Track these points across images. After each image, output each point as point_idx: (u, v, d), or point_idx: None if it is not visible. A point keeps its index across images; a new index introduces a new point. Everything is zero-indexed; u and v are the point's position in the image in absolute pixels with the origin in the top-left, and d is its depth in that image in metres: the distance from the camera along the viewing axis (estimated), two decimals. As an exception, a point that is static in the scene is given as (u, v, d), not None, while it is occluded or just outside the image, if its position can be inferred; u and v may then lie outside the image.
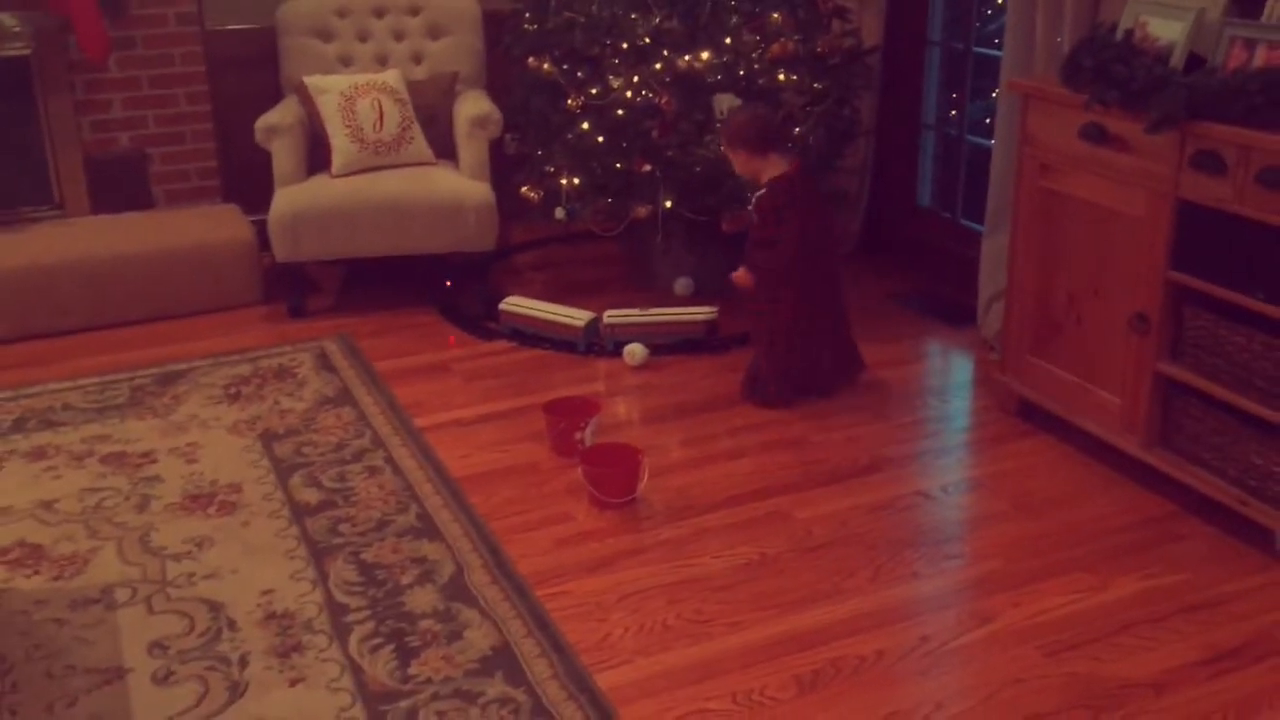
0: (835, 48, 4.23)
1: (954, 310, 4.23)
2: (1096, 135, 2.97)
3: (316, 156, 4.41)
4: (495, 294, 4.29)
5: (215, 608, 2.60)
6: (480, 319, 4.26)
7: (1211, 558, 2.75)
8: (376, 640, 2.48)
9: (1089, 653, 2.42)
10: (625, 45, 4.02)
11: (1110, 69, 2.87)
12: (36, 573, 2.74)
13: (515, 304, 4.14)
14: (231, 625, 2.53)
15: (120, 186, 4.71)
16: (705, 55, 3.97)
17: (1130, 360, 3.01)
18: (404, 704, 2.28)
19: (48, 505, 3.04)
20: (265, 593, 2.65)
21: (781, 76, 4.12)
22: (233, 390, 3.72)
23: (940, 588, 2.66)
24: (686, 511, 3.00)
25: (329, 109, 4.33)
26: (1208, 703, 2.28)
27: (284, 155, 4.31)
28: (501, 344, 4.09)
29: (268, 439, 3.39)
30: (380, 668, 2.39)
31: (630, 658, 2.44)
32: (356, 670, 2.38)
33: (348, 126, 4.32)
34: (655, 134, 4.08)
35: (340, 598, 2.63)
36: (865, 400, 3.60)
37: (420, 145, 4.44)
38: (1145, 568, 2.72)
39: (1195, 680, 2.35)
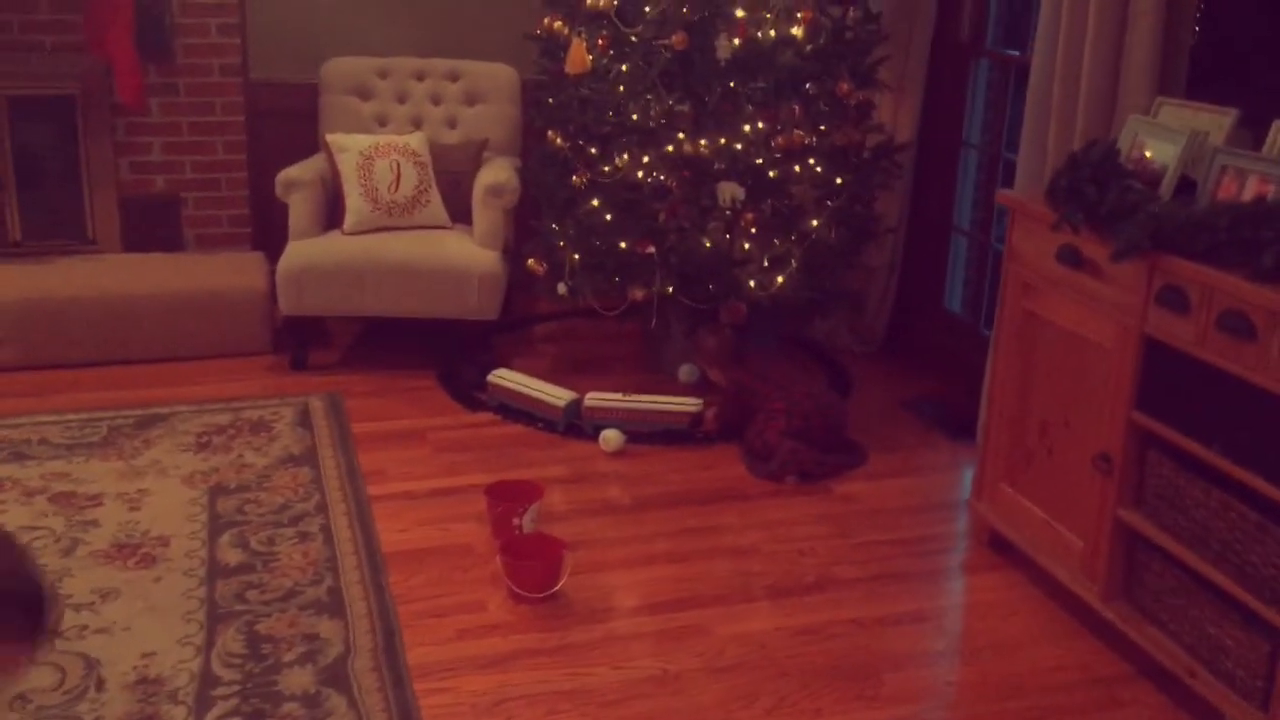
0: (856, 142, 4.10)
1: (962, 424, 4.01)
2: (1072, 258, 2.78)
3: (337, 213, 4.45)
4: (495, 364, 4.24)
5: (91, 665, 2.56)
6: (473, 388, 4.21)
7: (1153, 731, 2.50)
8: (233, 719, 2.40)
9: (976, 826, 2.21)
10: (635, 124, 3.95)
11: (1082, 189, 2.69)
12: (-62, 609, 2.74)
13: (504, 377, 4.08)
14: (100, 685, 2.49)
15: (153, 228, 4.82)
16: (704, 142, 3.88)
17: (1093, 503, 2.79)
18: (231, 793, 2.20)
19: (-20, 540, 3.05)
20: (146, 655, 2.60)
21: (798, 168, 4.00)
22: (204, 439, 3.72)
23: (839, 731, 2.47)
24: (604, 614, 2.87)
25: (347, 167, 4.36)
26: None
27: (300, 209, 4.36)
28: (486, 416, 4.03)
29: (216, 493, 3.37)
30: (224, 750, 2.31)
31: (483, 770, 2.31)
32: (200, 750, 2.31)
33: (363, 185, 4.35)
34: (662, 216, 4.00)
35: (217, 669, 2.57)
36: (834, 510, 3.43)
37: (436, 209, 4.44)
38: (1075, 734, 2.49)
39: None
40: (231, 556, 3.04)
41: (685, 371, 4.31)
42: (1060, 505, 2.92)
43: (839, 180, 4.08)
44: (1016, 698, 2.60)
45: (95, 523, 3.18)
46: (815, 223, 4.05)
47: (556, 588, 2.92)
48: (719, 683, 2.61)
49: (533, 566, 2.90)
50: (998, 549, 3.20)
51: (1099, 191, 2.64)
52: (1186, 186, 2.69)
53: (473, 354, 4.36)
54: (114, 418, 3.86)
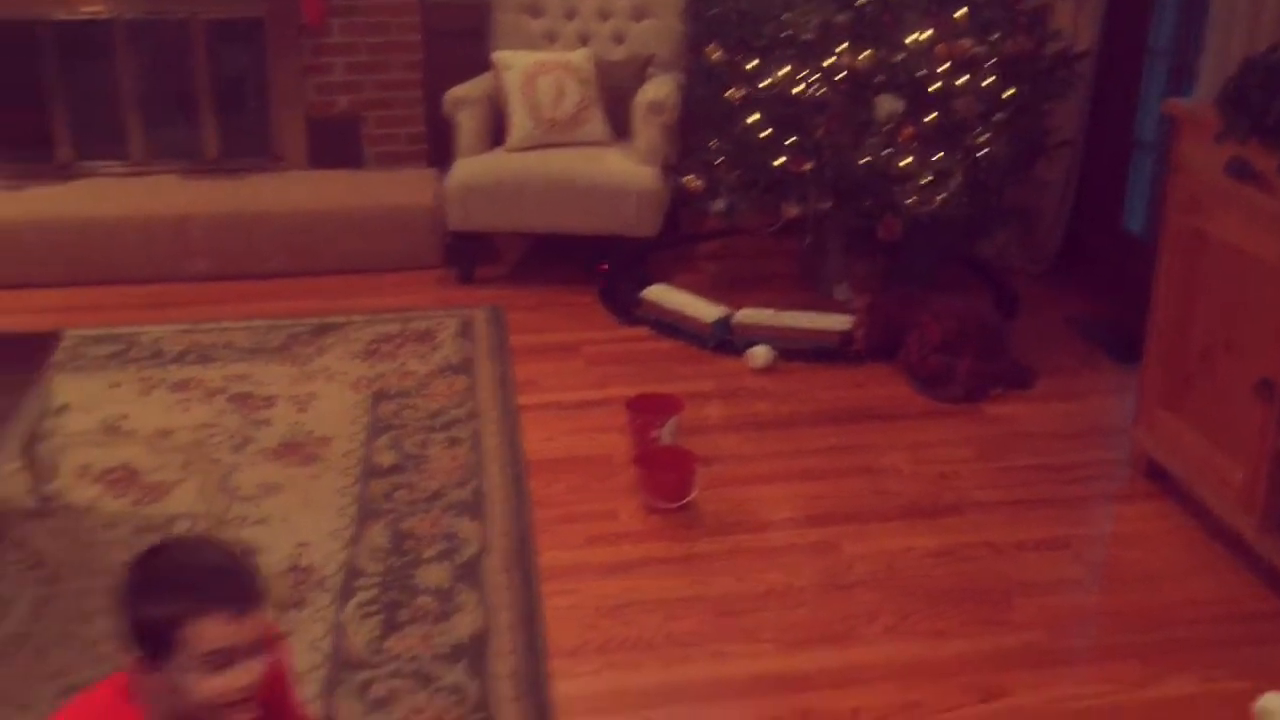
0: (1028, 51, 3.90)
1: (1132, 348, 3.80)
2: (1240, 171, 2.59)
3: (504, 130, 4.54)
4: (653, 280, 4.27)
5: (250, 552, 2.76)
6: (630, 304, 4.26)
7: (1298, 671, 2.36)
8: (372, 608, 2.55)
9: (1090, 755, 2.15)
10: (792, 37, 3.86)
11: (1250, 97, 2.49)
12: (123, 495, 3.01)
13: (657, 293, 4.12)
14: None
15: (336, 146, 5.03)
16: (864, 54, 3.76)
17: (1253, 431, 2.62)
18: (363, 675, 2.35)
19: (164, 434, 3.32)
20: (300, 545, 2.79)
21: (963, 80, 3.84)
22: (372, 347, 3.91)
23: (959, 652, 2.43)
24: (734, 527, 2.89)
25: (512, 85, 4.44)
26: (1203, 839, 1.98)
27: (467, 126, 4.47)
28: (640, 332, 4.08)
29: (378, 398, 3.55)
30: (361, 636, 2.46)
31: (598, 669, 2.39)
32: (339, 634, 2.47)
33: (527, 102, 4.42)
34: (820, 131, 3.92)
35: (362, 561, 2.73)
36: (983, 433, 3.34)
37: (597, 125, 4.48)
38: (1211, 669, 2.38)
39: (1201, 810, 2.04)
40: (385, 458, 3.20)
41: (841, 290, 4.25)
42: (1219, 433, 2.76)
43: (1009, 92, 3.90)
44: (1156, 629, 2.50)
45: (267, 422, 3.40)
46: (982, 137, 3.89)
47: (688, 499, 2.96)
48: (841, 598, 2.61)
49: (665, 478, 2.95)
50: (1154, 478, 3.05)
51: (1266, 99, 2.44)
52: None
53: (632, 270, 4.41)
54: (293, 325, 4.10)
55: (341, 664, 2.38)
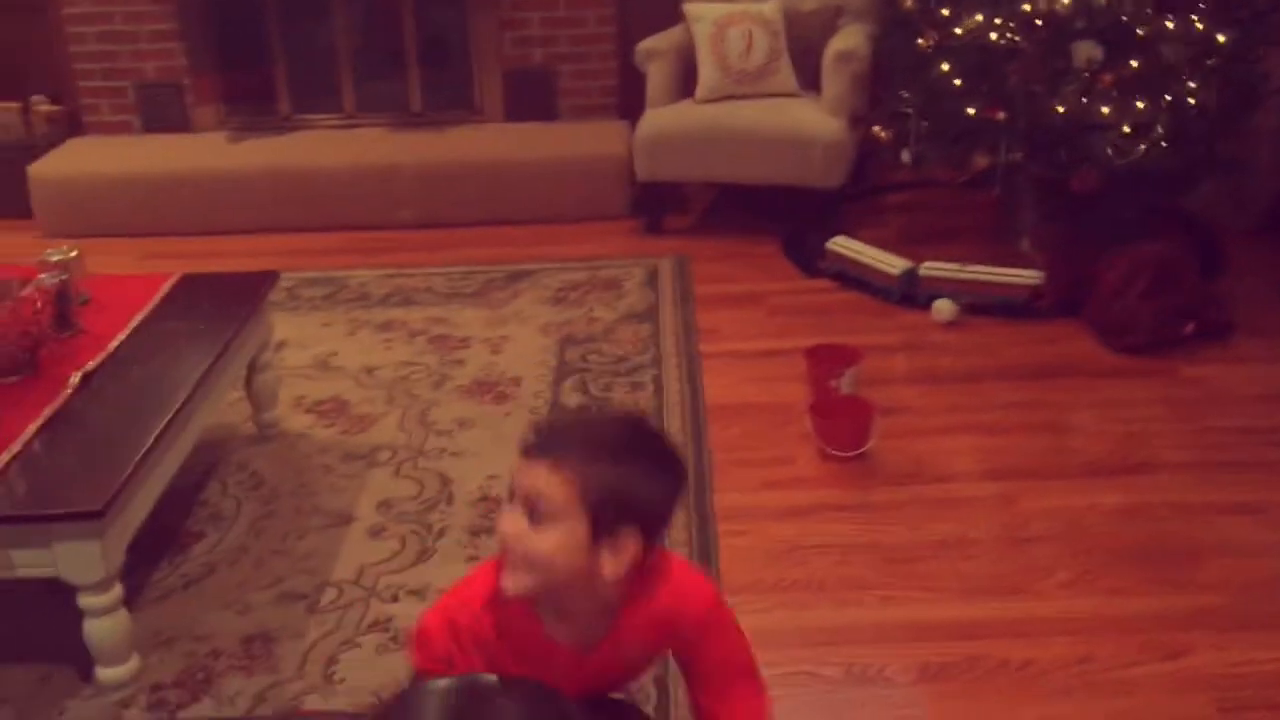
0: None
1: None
2: None
3: (694, 82, 4.59)
4: (840, 232, 4.26)
5: (446, 481, 2.94)
6: (815, 256, 4.27)
7: None
8: (555, 538, 2.69)
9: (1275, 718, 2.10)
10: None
11: None
12: (333, 425, 3.24)
13: (842, 245, 4.12)
14: (449, 499, 2.87)
15: (532, 99, 5.19)
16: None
17: None
18: (546, 599, 2.48)
19: (370, 371, 3.55)
20: (490, 477, 2.95)
21: (1170, 23, 3.68)
22: (561, 294, 4.06)
23: (1138, 610, 2.40)
24: (911, 478, 2.91)
25: (701, 36, 4.49)
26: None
27: (657, 78, 4.55)
28: (824, 283, 4.10)
29: (566, 342, 3.69)
30: (544, 563, 2.60)
31: (769, 607, 2.47)
32: (524, 561, 2.61)
33: (715, 54, 4.46)
34: (1014, 79, 3.83)
35: (547, 495, 2.87)
36: (1178, 394, 3.24)
37: (785, 76, 4.49)
38: None
39: (1391, 783, 1.97)
40: (571, 399, 3.34)
41: (1027, 244, 4.15)
42: None
43: (1220, 37, 3.71)
44: (1351, 599, 2.40)
45: (462, 362, 3.59)
46: (1191, 84, 3.72)
47: (865, 448, 2.99)
48: (1017, 552, 2.60)
49: (841, 425, 2.98)
50: (1364, 445, 2.91)
51: None
52: None
53: (819, 222, 4.41)
54: (488, 272, 4.28)
55: (526, 589, 2.52)
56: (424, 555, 2.65)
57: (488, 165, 4.76)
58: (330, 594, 2.53)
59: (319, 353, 3.66)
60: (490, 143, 4.91)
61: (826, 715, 2.19)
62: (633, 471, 1.41)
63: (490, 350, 3.66)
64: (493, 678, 1.34)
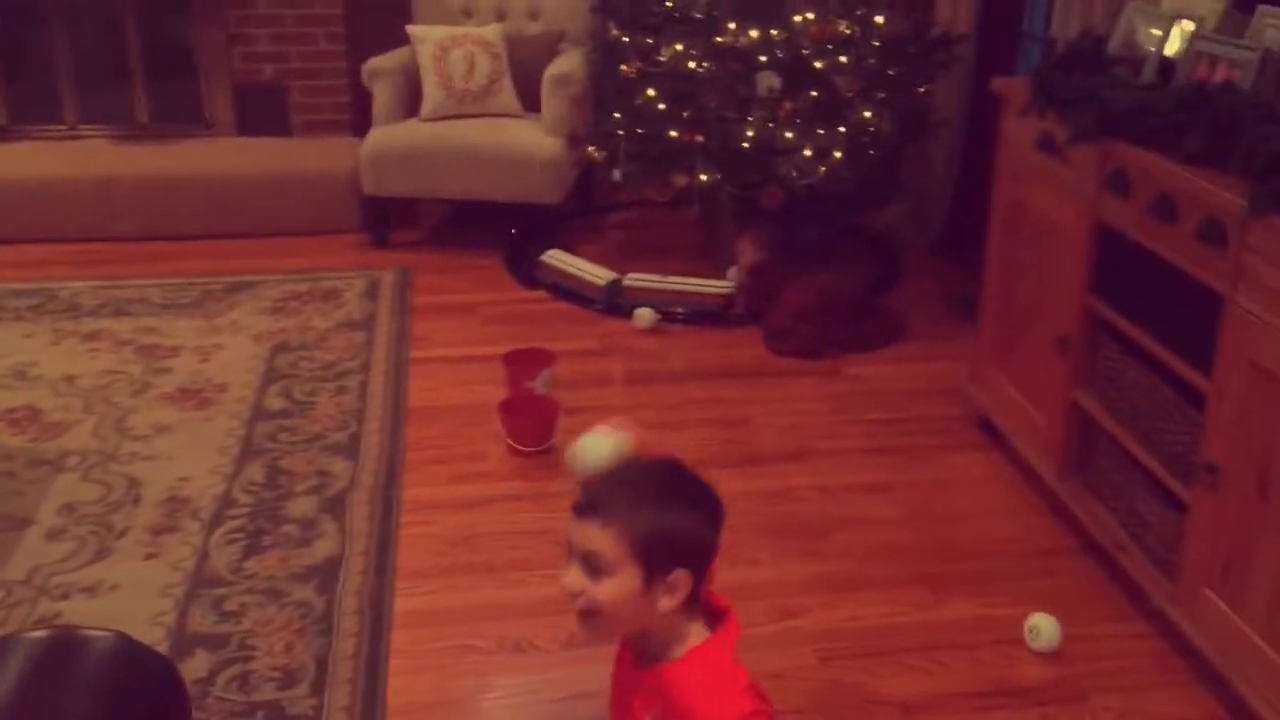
0: (905, 33, 4.12)
1: (995, 315, 4.05)
2: (1047, 145, 2.82)
3: (420, 100, 4.74)
4: (562, 247, 4.47)
5: (134, 484, 2.98)
6: (534, 269, 4.47)
7: (1074, 599, 2.60)
8: (238, 535, 2.77)
9: (865, 665, 2.39)
10: (681, 14, 4.08)
11: (1049, 76, 2.72)
12: (23, 432, 3.22)
13: (555, 258, 4.34)
14: (136, 500, 2.91)
15: (264, 114, 5.23)
16: (754, 33, 3.98)
17: (1053, 384, 2.87)
18: (220, 591, 2.57)
19: (70, 380, 3.53)
20: (181, 479, 3.01)
21: (844, 58, 4.06)
22: (280, 304, 4.12)
23: (769, 578, 2.67)
24: (588, 469, 3.12)
25: (425, 57, 4.64)
26: (947, 734, 2.22)
27: (384, 96, 4.68)
28: (539, 294, 4.30)
29: (277, 350, 3.76)
30: (223, 558, 2.68)
31: (438, 589, 2.62)
32: (203, 557, 2.69)
33: (439, 74, 4.62)
34: (710, 105, 4.14)
35: (236, 494, 2.95)
36: (839, 390, 3.58)
37: (508, 98, 4.69)
38: (994, 596, 2.62)
39: (953, 710, 2.28)
40: (275, 404, 3.42)
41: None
42: (1030, 387, 3.00)
43: (890, 71, 4.12)
44: (953, 562, 2.74)
45: (169, 369, 3.61)
46: (863, 114, 4.11)
47: (550, 444, 3.19)
48: (674, 532, 2.83)
49: (527, 423, 3.17)
50: (984, 431, 3.29)
51: (1061, 78, 2.67)
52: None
53: (540, 236, 4.61)
54: (208, 283, 4.30)
55: (201, 581, 2.60)
56: (102, 554, 2.69)
57: (214, 178, 4.78)
58: (-1, 595, 2.54)
59: (16, 363, 3.61)
60: (217, 156, 4.92)
61: (478, 679, 2.35)
62: (675, 515, 1.52)
63: (199, 359, 3.70)
64: (84, 629, 1.45)
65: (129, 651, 1.41)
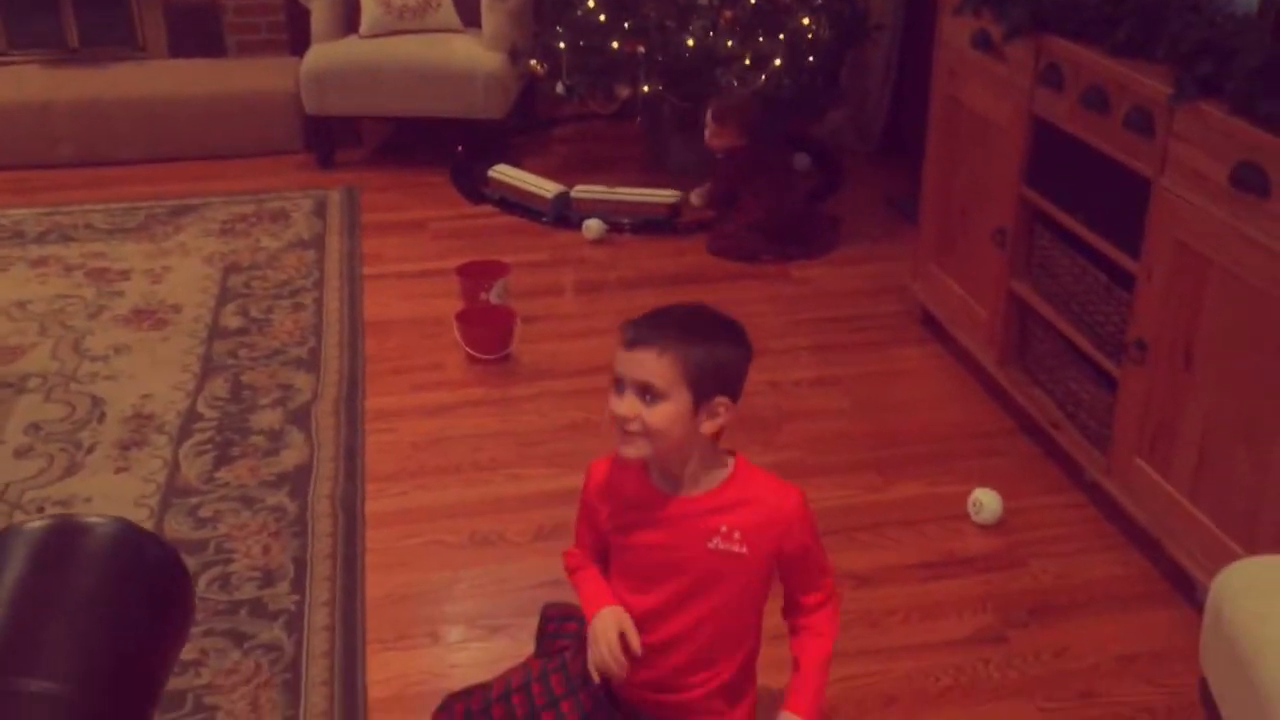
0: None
1: (936, 216, 4.16)
2: (983, 42, 2.91)
3: (357, 17, 4.70)
4: (507, 162, 4.49)
5: (97, 402, 3.01)
6: (481, 185, 4.50)
7: (1014, 476, 2.75)
8: (206, 447, 2.83)
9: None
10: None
11: (985, -27, 2.80)
12: (-20, 358, 3.23)
13: (502, 172, 4.37)
14: (101, 418, 2.94)
15: (197, 35, 5.15)
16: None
17: (992, 275, 2.98)
18: (193, 500, 2.63)
19: (22, 305, 3.53)
20: (144, 396, 3.05)
21: (781, -35, 4.10)
22: (227, 226, 4.13)
23: (726, 469, 2.77)
24: (545, 374, 3.21)
25: (362, -27, 4.60)
26: (898, 600, 2.36)
27: (321, 14, 4.64)
28: (487, 209, 4.33)
29: (229, 270, 3.78)
30: (193, 469, 2.74)
31: (407, 490, 2.70)
32: (174, 468, 2.75)
33: (376, -10, 4.58)
34: (650, 15, 4.16)
35: (201, 408, 3.00)
36: (786, 292, 3.68)
37: (447, 13, 4.67)
38: (939, 475, 2.76)
39: (902, 579, 2.42)
40: (232, 322, 3.45)
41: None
42: (970, 280, 3.12)
43: (825, -23, 4.17)
44: (899, 446, 2.87)
45: (121, 293, 3.62)
46: (802, 20, 4.17)
47: (507, 351, 3.26)
48: (632, 430, 2.93)
49: (484, 332, 3.24)
50: (926, 325, 3.42)
51: (994, -26, 2.75)
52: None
53: (485, 152, 4.63)
54: (152, 207, 4.29)
55: (174, 491, 2.66)
56: (72, 470, 2.74)
57: (150, 101, 4.73)
58: (-27, 512, 2.59)
59: (-35, 290, 3.60)
60: (153, 78, 4.86)
61: (452, 571, 2.45)
62: (720, 347, 1.64)
63: (151, 281, 3.71)
64: (85, 517, 1.51)
65: (131, 535, 1.48)
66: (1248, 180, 2.04)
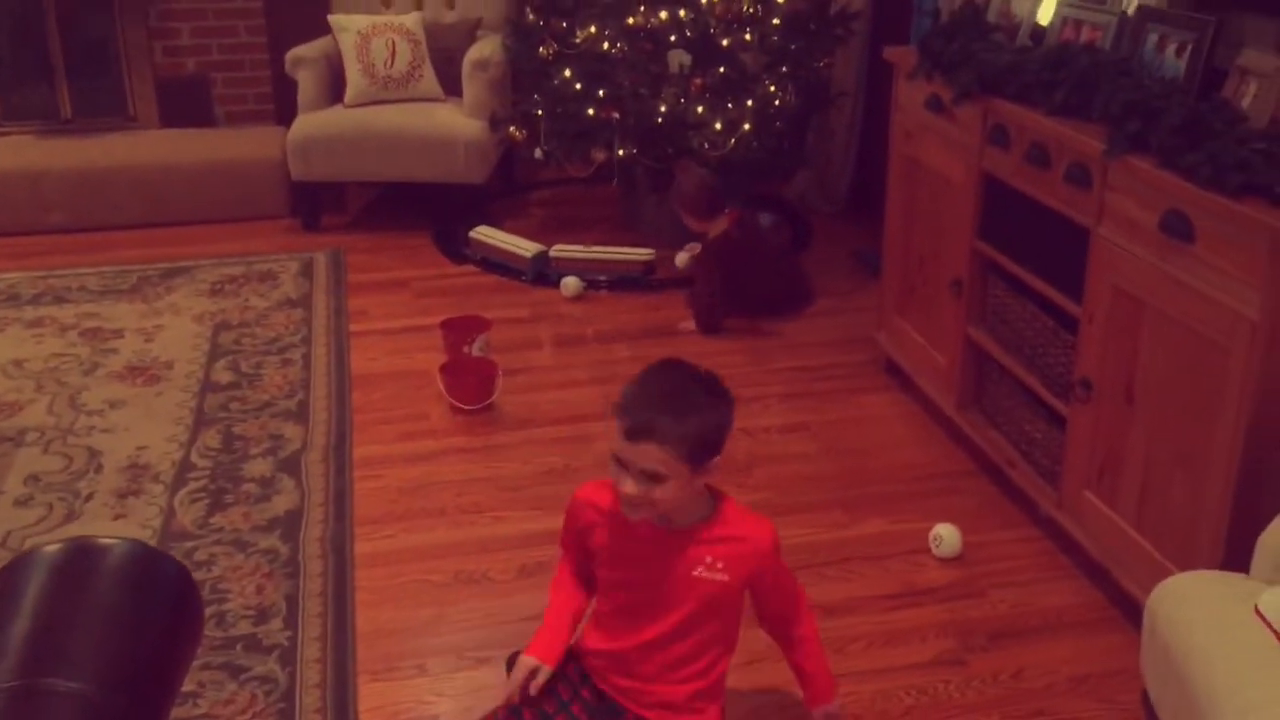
0: (805, 10, 4.39)
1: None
2: (936, 105, 3.10)
3: (344, 88, 4.89)
4: (487, 224, 4.66)
5: (94, 454, 3.13)
6: (463, 246, 4.66)
7: (973, 512, 2.89)
8: (200, 495, 2.94)
9: (789, 577, 2.64)
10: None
11: (934, 43, 3.00)
12: (-21, 413, 3.34)
13: (483, 233, 4.53)
14: (98, 469, 3.06)
15: (187, 105, 5.33)
16: (664, 14, 4.22)
17: (950, 323, 3.15)
18: (189, 544, 2.74)
19: (19, 363, 3.65)
20: (139, 448, 3.16)
21: (748, 36, 4.32)
22: (217, 287, 4.26)
23: (700, 509, 2.91)
24: (528, 423, 3.34)
25: (347, 45, 4.80)
26: (863, 628, 2.48)
27: (307, 84, 4.83)
28: (469, 269, 4.49)
29: (220, 328, 3.91)
30: (188, 515, 2.85)
31: (395, 533, 2.82)
32: (170, 515, 2.86)
33: (361, 62, 4.78)
34: (624, 83, 4.36)
35: (194, 459, 3.11)
36: (757, 344, 3.84)
37: (429, 83, 4.87)
38: (901, 513, 2.89)
39: (867, 609, 2.55)
40: (223, 377, 3.58)
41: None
42: (930, 329, 3.28)
43: (793, 47, 4.39)
44: (863, 487, 3.02)
45: (115, 350, 3.74)
46: (769, 87, 4.38)
47: (489, 402, 3.40)
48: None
49: (467, 382, 3.38)
50: (890, 374, 3.58)
51: (944, 44, 2.95)
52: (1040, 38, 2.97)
53: (467, 215, 4.80)
54: (144, 270, 4.42)
55: (170, 536, 2.77)
56: (71, 517, 2.84)
57: (142, 169, 4.88)
58: (-24, 558, 2.68)
59: (-36, 349, 3.72)
60: (144, 147, 5.02)
61: (439, 608, 2.56)
62: (707, 414, 1.82)
63: (144, 339, 3.83)
64: (100, 538, 1.63)
65: (144, 552, 1.60)
66: (1174, 227, 2.22)
